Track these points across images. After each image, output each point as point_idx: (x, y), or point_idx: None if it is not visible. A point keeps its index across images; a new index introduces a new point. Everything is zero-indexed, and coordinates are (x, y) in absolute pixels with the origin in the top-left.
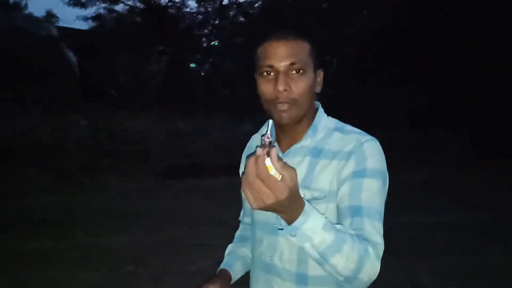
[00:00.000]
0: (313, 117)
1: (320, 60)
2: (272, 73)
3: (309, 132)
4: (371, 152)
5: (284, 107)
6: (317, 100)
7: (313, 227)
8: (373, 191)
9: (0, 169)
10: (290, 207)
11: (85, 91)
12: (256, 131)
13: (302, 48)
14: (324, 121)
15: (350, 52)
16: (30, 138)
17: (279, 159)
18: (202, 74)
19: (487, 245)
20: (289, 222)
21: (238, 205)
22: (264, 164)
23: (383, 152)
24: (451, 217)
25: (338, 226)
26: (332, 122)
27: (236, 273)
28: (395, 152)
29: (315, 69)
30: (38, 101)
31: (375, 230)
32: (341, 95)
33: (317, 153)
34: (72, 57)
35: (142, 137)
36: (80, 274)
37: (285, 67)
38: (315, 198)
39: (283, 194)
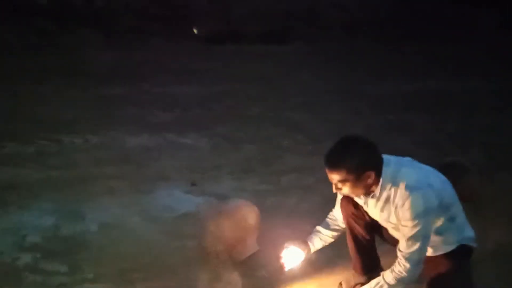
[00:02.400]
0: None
1: (364, 169)
2: None
3: (377, 192)
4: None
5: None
6: None
7: None
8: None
9: (58, 27)
10: None
11: None
12: None
13: (340, 174)
14: (382, 184)
15: None
16: None
17: None
18: None
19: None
20: None
21: (275, 64)
22: None
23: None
24: (476, 84)
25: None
26: (388, 178)
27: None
28: (425, 25)
29: (358, 177)
30: None
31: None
32: None
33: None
34: None
35: (184, 3)
36: (156, 114)
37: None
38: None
39: None
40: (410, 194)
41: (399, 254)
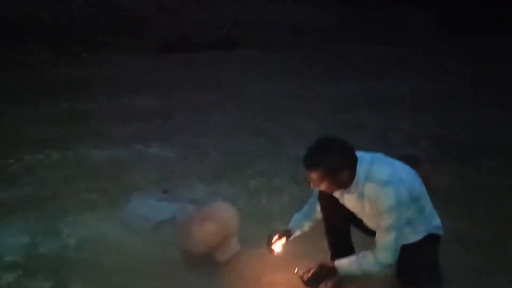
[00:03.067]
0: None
1: (340, 168)
2: None
3: (353, 188)
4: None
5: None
6: None
7: (342, 266)
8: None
9: (4, 44)
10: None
11: None
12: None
13: (317, 174)
14: (356, 181)
15: None
16: (28, 13)
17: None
18: None
19: (454, 106)
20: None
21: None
22: None
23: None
24: (421, 84)
25: (353, 259)
26: (362, 175)
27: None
28: (366, 28)
29: (334, 176)
30: None
31: (379, 245)
32: None
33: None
34: None
35: (133, 14)
36: (118, 126)
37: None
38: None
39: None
40: (383, 189)
41: (377, 243)
